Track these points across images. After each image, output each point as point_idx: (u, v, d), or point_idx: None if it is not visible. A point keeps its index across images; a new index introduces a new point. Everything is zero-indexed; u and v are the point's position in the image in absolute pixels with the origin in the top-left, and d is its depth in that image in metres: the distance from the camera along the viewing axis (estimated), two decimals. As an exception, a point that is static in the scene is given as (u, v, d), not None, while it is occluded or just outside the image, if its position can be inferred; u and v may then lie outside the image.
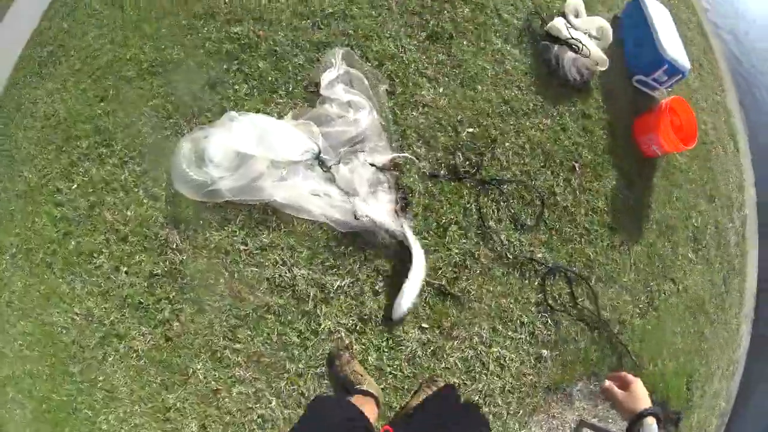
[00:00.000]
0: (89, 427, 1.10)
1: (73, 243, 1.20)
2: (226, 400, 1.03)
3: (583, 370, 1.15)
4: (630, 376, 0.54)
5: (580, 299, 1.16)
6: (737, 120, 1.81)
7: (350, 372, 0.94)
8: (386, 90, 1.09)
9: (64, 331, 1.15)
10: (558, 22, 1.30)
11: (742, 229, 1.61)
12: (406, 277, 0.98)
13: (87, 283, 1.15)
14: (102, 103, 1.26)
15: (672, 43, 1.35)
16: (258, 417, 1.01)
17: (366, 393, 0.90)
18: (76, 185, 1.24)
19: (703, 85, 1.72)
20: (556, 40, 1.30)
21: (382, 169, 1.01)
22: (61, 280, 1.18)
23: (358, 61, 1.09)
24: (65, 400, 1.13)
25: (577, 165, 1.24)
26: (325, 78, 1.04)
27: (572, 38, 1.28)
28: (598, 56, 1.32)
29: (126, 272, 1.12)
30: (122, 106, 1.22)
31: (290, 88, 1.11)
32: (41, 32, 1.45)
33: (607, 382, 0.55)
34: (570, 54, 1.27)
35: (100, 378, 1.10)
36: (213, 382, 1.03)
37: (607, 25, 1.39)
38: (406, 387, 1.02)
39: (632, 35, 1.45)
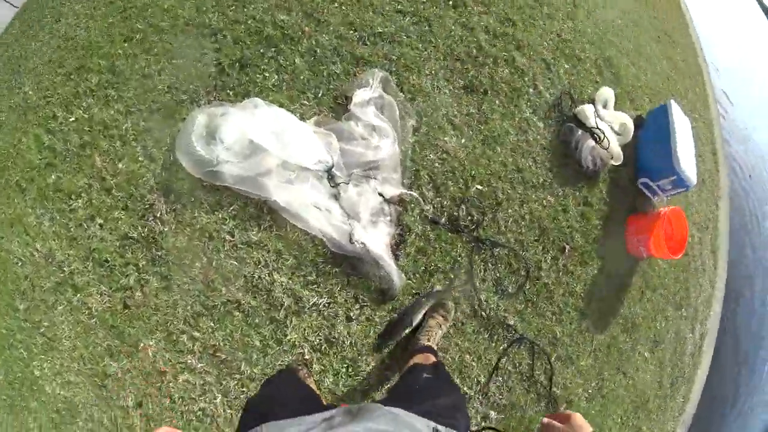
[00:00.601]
0: (21, 368, 1.04)
1: (53, 177, 1.12)
2: (170, 384, 0.99)
3: None
4: (568, 412, 0.54)
5: (537, 372, 1.20)
6: (722, 240, 1.91)
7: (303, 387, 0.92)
8: (413, 125, 1.09)
9: (20, 264, 1.08)
10: (588, 109, 1.33)
11: (700, 342, 1.70)
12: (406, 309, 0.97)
13: (56, 222, 1.08)
14: (126, 44, 1.18)
15: (687, 156, 1.39)
16: (199, 410, 0.98)
17: None
18: (74, 118, 1.16)
19: (700, 200, 1.80)
20: (581, 125, 1.33)
21: (389, 201, 1.01)
22: (30, 210, 1.11)
23: (394, 88, 1.08)
24: (3, 333, 1.05)
25: (567, 247, 1.28)
26: (359, 96, 1.02)
27: (597, 128, 1.31)
28: (615, 151, 1.36)
29: (100, 225, 1.06)
30: (146, 54, 1.16)
31: (320, 94, 1.09)
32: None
33: (545, 419, 0.54)
34: (590, 142, 1.31)
35: (45, 323, 1.04)
36: (161, 363, 0.99)
37: (630, 123, 1.43)
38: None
39: (651, 139, 1.48)
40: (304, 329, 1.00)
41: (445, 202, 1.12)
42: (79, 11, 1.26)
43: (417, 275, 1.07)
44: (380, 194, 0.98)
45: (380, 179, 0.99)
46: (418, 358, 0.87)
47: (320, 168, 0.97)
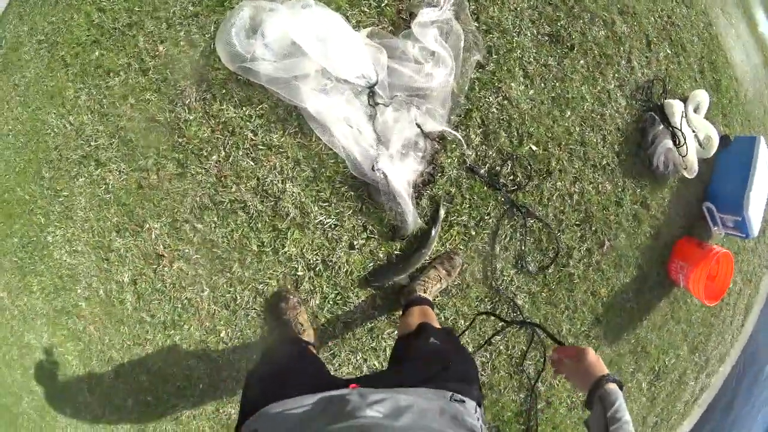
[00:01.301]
0: (36, 233, 1.08)
1: (96, 53, 1.11)
2: (165, 269, 0.98)
3: (492, 421, 1.13)
4: (580, 347, 0.49)
5: (528, 362, 1.11)
6: (758, 301, 1.72)
7: (293, 318, 0.89)
8: (478, 60, 0.95)
9: (52, 134, 1.09)
10: (677, 105, 1.14)
11: (698, 394, 1.56)
12: (406, 255, 0.91)
13: (92, 98, 1.08)
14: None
15: (758, 202, 1.23)
16: (186, 299, 0.98)
17: (308, 343, 0.86)
18: (124, -4, 1.17)
19: (755, 251, 1.60)
20: (665, 120, 1.14)
21: (426, 135, 0.92)
22: (70, 84, 1.12)
23: (467, 15, 0.94)
24: (26, 198, 1.10)
25: (608, 243, 1.14)
26: (424, 14, 0.91)
27: (680, 129, 1.13)
28: (691, 161, 1.17)
29: (131, 105, 1.04)
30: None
31: (383, 3, 0.96)
32: None
33: (555, 354, 0.50)
34: (668, 142, 1.13)
35: (65, 193, 1.06)
36: (161, 247, 0.99)
37: (716, 138, 1.22)
38: (327, 344, 0.98)
39: (729, 168, 1.30)
40: (304, 245, 0.94)
41: (490, 152, 1.00)
42: None
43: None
44: (418, 125, 0.90)
45: (424, 110, 0.89)
46: (416, 312, 0.80)
47: (361, 83, 0.88)
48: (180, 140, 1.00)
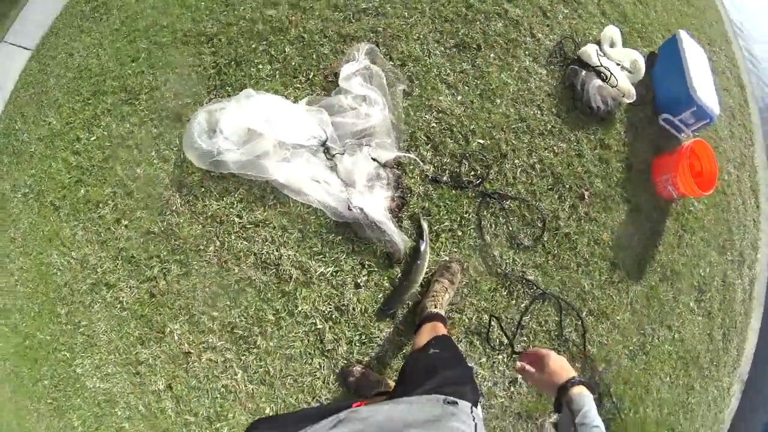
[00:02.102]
0: (65, 369, 1.18)
1: (82, 191, 1.29)
2: (195, 364, 1.07)
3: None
4: (542, 350, 0.49)
5: (567, 329, 1.14)
6: (762, 178, 1.76)
7: (367, 382, 0.96)
8: (404, 90, 1.13)
9: (59, 273, 1.24)
10: (590, 48, 1.30)
11: (750, 288, 1.55)
12: (407, 272, 0.99)
13: (88, 230, 1.24)
14: (133, 64, 1.36)
15: (704, 87, 1.34)
16: (222, 387, 1.06)
17: (383, 393, 0.91)
18: (95, 137, 1.34)
19: (732, 135, 1.68)
20: (586, 66, 1.30)
21: (384, 165, 1.05)
22: (65, 224, 1.28)
23: (381, 58, 1.14)
24: (47, 339, 1.21)
25: (587, 193, 1.23)
26: (345, 70, 1.09)
27: (601, 65, 1.28)
28: (626, 88, 1.31)
29: (126, 226, 1.20)
30: (151, 69, 1.32)
31: (311, 75, 1.17)
32: (89, -13, 1.58)
33: (519, 363, 0.50)
34: (597, 81, 1.27)
35: (84, 323, 1.17)
36: (186, 345, 1.08)
37: (641, 60, 1.38)
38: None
39: (665, 72, 1.44)
40: (314, 299, 1.05)
41: (445, 160, 1.13)
42: (88, 43, 1.47)
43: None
44: (374, 159, 1.03)
45: (374, 145, 1.04)
46: (427, 329, 0.87)
47: (314, 143, 1.04)
48: (177, 242, 1.13)
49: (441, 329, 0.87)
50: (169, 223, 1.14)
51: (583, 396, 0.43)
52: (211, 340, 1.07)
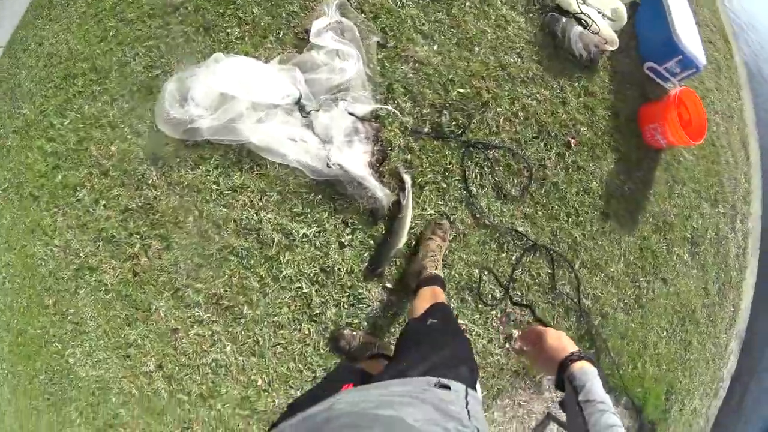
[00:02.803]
0: (58, 361, 1.16)
1: (59, 176, 1.27)
2: (184, 340, 1.05)
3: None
4: (538, 327, 0.46)
5: (560, 282, 1.12)
6: (751, 132, 1.75)
7: (359, 345, 0.94)
8: (378, 42, 1.09)
9: (43, 263, 1.22)
10: None
11: (743, 243, 1.55)
12: (390, 228, 0.97)
13: (68, 215, 1.22)
14: (101, 44, 1.33)
15: (689, 36, 1.31)
16: (212, 361, 1.04)
17: (377, 356, 0.90)
18: (68, 121, 1.32)
19: (719, 87, 1.66)
20: (566, 13, 1.27)
21: (361, 119, 1.02)
22: (45, 212, 1.26)
23: (353, 11, 1.11)
24: (38, 333, 1.19)
25: (573, 141, 1.21)
26: (316, 25, 1.06)
27: (581, 12, 1.25)
28: (609, 35, 1.28)
29: (104, 206, 1.17)
30: (120, 46, 1.29)
31: (281, 35, 1.13)
32: (55, -27, 1.57)
33: (516, 344, 0.48)
34: (578, 28, 1.24)
35: (71, 311, 1.15)
36: (173, 321, 1.06)
37: (623, 7, 1.35)
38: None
39: (648, 20, 1.41)
40: (298, 262, 1.02)
41: (425, 111, 1.11)
42: (57, 29, 1.44)
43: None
44: (351, 113, 1.01)
45: (350, 99, 1.02)
46: (426, 294, 0.85)
47: (289, 101, 1.01)
48: (155, 217, 1.11)
49: (440, 295, 0.84)
50: (147, 197, 1.12)
51: (585, 371, 0.41)
52: (197, 314, 1.05)
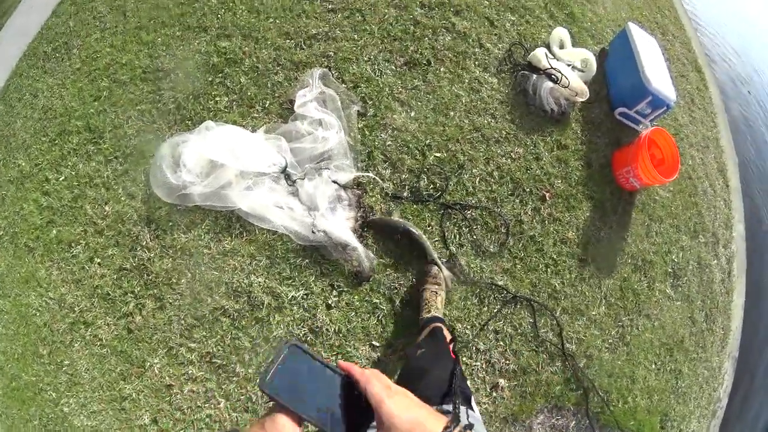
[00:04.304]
0: (52, 409, 1.21)
1: (54, 231, 1.35)
2: (178, 396, 1.12)
3: (545, 402, 1.18)
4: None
5: (543, 330, 1.21)
6: (728, 156, 1.84)
7: None
8: (358, 111, 1.20)
9: (38, 314, 1.29)
10: (539, 52, 1.39)
11: (728, 267, 1.62)
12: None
13: (63, 270, 1.30)
14: (95, 103, 1.43)
15: (658, 75, 1.40)
16: (206, 416, 1.10)
17: None
18: (63, 177, 1.41)
19: (693, 119, 1.77)
20: (536, 70, 1.38)
21: (344, 186, 1.12)
22: (40, 265, 1.34)
23: (334, 82, 1.22)
24: (33, 380, 1.25)
25: (547, 194, 1.30)
26: (300, 96, 1.17)
27: (551, 68, 1.36)
28: (578, 87, 1.39)
29: (99, 263, 1.26)
30: (113, 107, 1.39)
31: (267, 104, 1.24)
32: (49, 27, 1.66)
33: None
34: (548, 83, 1.35)
35: (66, 362, 1.22)
36: (167, 378, 1.14)
37: (592, 57, 1.46)
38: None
39: (617, 66, 1.51)
40: (288, 323, 1.11)
41: (404, 176, 1.21)
42: (52, 83, 1.53)
43: (390, 252, 1.15)
44: (334, 181, 1.11)
45: (333, 168, 1.12)
46: (425, 332, 0.91)
47: (275, 170, 1.11)
48: (149, 277, 1.19)
49: (438, 331, 0.90)
50: (141, 258, 1.21)
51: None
52: (191, 371, 1.12)
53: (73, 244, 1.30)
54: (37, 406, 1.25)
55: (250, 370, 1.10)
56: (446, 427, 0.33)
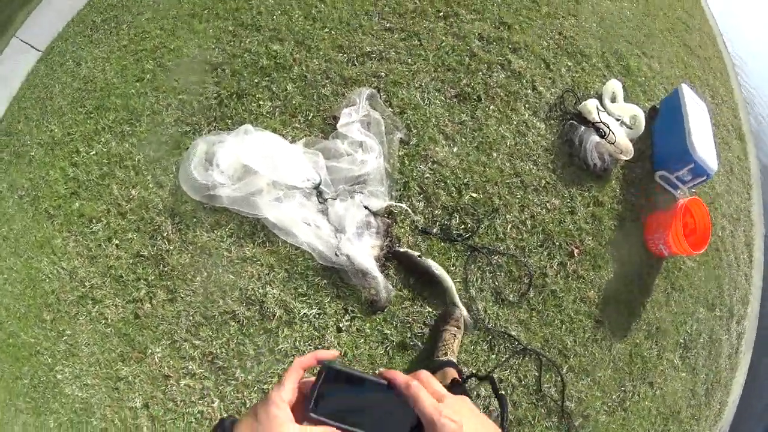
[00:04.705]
0: (45, 372, 1.22)
1: (77, 204, 1.37)
2: (174, 388, 1.13)
3: None
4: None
5: (546, 385, 1.20)
6: (757, 231, 1.81)
7: None
8: (401, 139, 1.19)
9: (48, 280, 1.30)
10: (590, 104, 1.36)
11: (737, 343, 1.60)
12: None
13: (80, 243, 1.32)
14: (138, 84, 1.44)
15: (703, 143, 1.37)
16: (198, 412, 1.11)
17: None
18: (94, 152, 1.42)
19: (729, 190, 1.73)
20: (585, 121, 1.36)
21: (375, 213, 1.12)
22: (57, 233, 1.36)
23: (381, 104, 1.21)
24: (31, 342, 1.26)
25: (576, 250, 1.29)
26: (345, 115, 1.16)
27: (600, 121, 1.34)
28: (624, 145, 1.36)
29: (116, 245, 1.27)
30: (155, 91, 1.40)
31: (310, 116, 1.24)
32: (104, -3, 1.68)
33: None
34: (595, 137, 1.33)
35: (68, 332, 1.23)
36: (166, 368, 1.14)
37: (641, 115, 1.43)
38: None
39: (665, 128, 1.49)
40: (295, 339, 1.11)
41: (436, 212, 1.19)
42: (97, 55, 1.54)
43: (409, 286, 1.14)
44: (366, 207, 1.10)
45: (366, 193, 1.11)
46: (437, 377, 0.92)
47: (308, 185, 1.11)
48: (165, 269, 1.20)
49: (449, 376, 0.91)
50: (159, 248, 1.22)
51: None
52: (190, 367, 1.13)
53: (94, 221, 1.31)
54: (30, 367, 1.26)
55: (249, 377, 1.11)
56: None
